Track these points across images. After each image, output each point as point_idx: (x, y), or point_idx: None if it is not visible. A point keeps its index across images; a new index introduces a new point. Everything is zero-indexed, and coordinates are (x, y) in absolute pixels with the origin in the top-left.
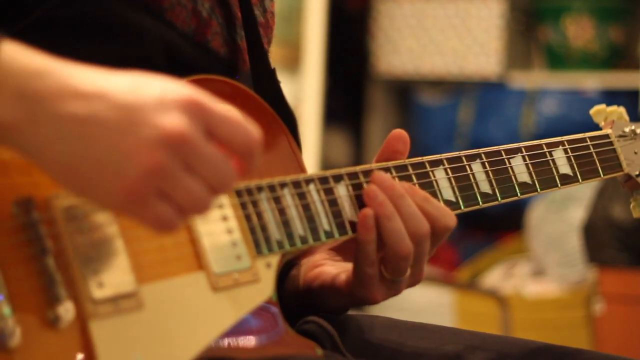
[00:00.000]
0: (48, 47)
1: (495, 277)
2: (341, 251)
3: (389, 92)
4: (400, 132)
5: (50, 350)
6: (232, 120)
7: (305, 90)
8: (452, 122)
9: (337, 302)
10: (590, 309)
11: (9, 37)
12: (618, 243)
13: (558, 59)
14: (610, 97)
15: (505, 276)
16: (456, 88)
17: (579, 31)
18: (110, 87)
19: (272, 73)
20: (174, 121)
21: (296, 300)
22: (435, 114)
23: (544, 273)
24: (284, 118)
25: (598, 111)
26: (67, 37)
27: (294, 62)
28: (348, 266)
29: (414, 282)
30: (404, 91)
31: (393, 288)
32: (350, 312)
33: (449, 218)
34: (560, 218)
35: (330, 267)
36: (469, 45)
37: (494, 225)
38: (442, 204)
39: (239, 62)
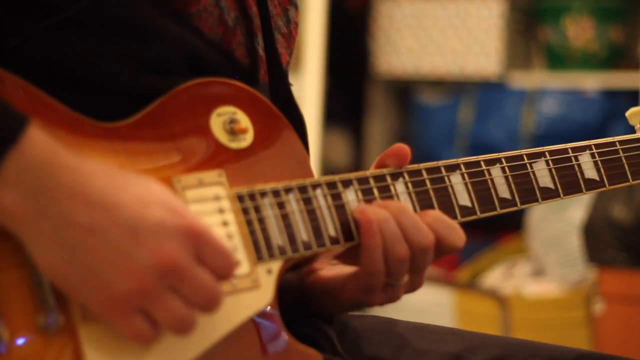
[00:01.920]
0: (72, 46)
1: (495, 277)
2: (340, 257)
3: (389, 92)
4: (398, 149)
5: (40, 356)
6: (220, 251)
7: (305, 90)
8: (452, 122)
9: (335, 307)
10: (590, 309)
11: (37, 32)
12: (618, 243)
13: (558, 59)
14: (610, 97)
15: (505, 276)
16: (456, 88)
17: (579, 31)
18: (119, 202)
19: (284, 78)
20: (169, 249)
21: (293, 304)
22: (435, 114)
23: (544, 273)
24: (293, 122)
25: (634, 113)
26: (92, 37)
27: (294, 62)
28: (345, 270)
29: (412, 289)
30: (404, 91)
31: (391, 293)
32: (351, 313)
33: (458, 238)
34: (560, 218)
35: (328, 272)
36: (469, 45)
37: (494, 225)
38: (454, 222)
39: (259, 73)
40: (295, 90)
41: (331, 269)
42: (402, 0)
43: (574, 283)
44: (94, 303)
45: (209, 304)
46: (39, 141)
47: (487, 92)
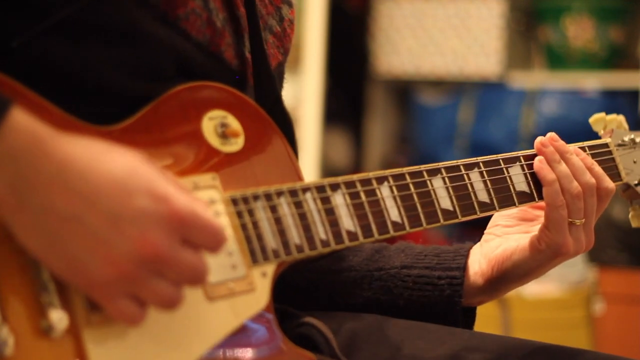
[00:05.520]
0: (62, 51)
1: None
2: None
3: (389, 92)
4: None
5: (44, 359)
6: (207, 228)
7: (305, 90)
8: (452, 122)
9: (533, 265)
10: (590, 309)
11: (32, 36)
12: (618, 243)
13: (558, 59)
14: (610, 97)
15: None
16: (456, 88)
17: (579, 31)
18: (99, 189)
19: (272, 81)
20: (152, 238)
21: (479, 294)
22: (435, 114)
23: None
24: (281, 126)
25: (597, 120)
26: (82, 42)
27: (294, 62)
28: (523, 232)
29: (588, 242)
30: (404, 91)
31: (577, 237)
32: (349, 313)
33: (610, 182)
34: None
35: (509, 242)
36: (469, 45)
37: None
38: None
39: (247, 74)
40: (295, 90)
41: (507, 239)
42: (402, 0)
43: (574, 283)
44: (80, 287)
45: (195, 280)
46: (20, 127)
47: (487, 92)
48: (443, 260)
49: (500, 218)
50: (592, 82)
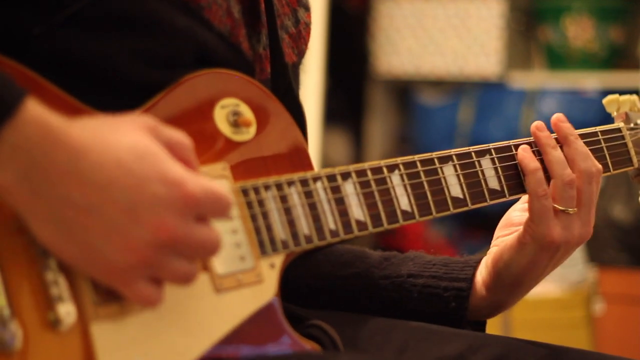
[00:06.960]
0: (80, 44)
1: None
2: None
3: (389, 92)
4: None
5: (51, 352)
6: (218, 202)
7: (305, 90)
8: (452, 122)
9: (522, 261)
10: (590, 309)
11: (51, 26)
12: (618, 243)
13: (558, 59)
14: None
15: None
16: (456, 88)
17: (579, 31)
18: (113, 178)
19: (286, 71)
20: (168, 223)
21: (488, 301)
22: (435, 114)
23: None
24: (293, 114)
25: (610, 101)
26: (99, 33)
27: None
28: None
29: (585, 231)
30: (404, 91)
31: (567, 226)
32: (351, 314)
33: (596, 164)
34: None
35: (499, 244)
36: (469, 45)
37: (494, 225)
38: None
39: (257, 69)
40: None
41: (499, 244)
42: (402, 0)
43: (574, 283)
44: (97, 275)
45: (210, 252)
46: (34, 118)
47: (487, 92)
48: (451, 270)
49: (501, 230)
50: (592, 82)
